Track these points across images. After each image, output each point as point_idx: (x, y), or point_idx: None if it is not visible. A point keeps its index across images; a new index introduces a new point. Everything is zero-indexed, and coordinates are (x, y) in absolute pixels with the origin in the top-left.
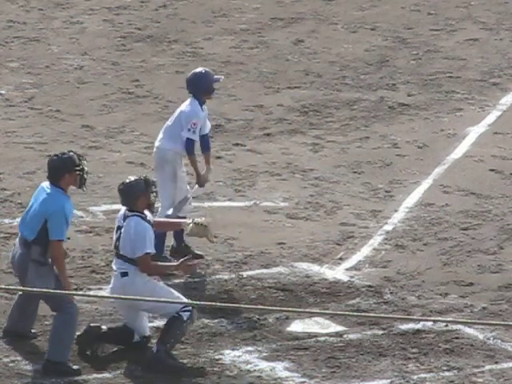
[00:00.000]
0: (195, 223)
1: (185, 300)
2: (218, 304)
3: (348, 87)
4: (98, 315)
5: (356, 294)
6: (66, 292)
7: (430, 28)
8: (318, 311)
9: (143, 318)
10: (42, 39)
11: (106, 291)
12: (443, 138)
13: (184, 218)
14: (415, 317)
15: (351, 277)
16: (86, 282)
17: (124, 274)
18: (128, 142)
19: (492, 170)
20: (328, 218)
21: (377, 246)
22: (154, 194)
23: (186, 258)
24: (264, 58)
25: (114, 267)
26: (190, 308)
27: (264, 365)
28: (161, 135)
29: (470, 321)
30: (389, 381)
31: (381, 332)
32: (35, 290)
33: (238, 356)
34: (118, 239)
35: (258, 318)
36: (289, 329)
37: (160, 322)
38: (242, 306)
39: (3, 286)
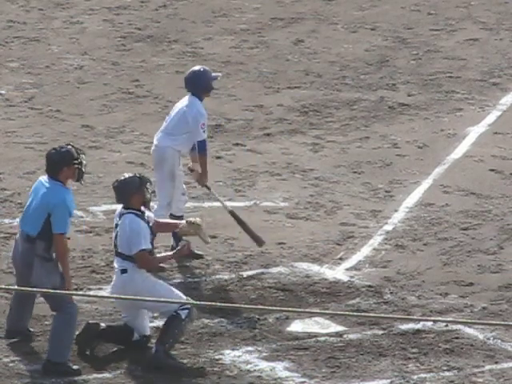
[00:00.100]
0: (187, 221)
1: (184, 299)
2: (218, 304)
3: (348, 87)
4: (98, 315)
5: (356, 294)
6: (67, 292)
7: (430, 28)
8: (318, 311)
9: (144, 317)
10: (42, 39)
11: (106, 291)
12: (443, 138)
13: (181, 217)
14: (415, 317)
15: (351, 277)
16: (86, 282)
17: (123, 271)
18: (128, 141)
19: (492, 170)
20: (328, 218)
21: (377, 246)
22: (150, 191)
23: (180, 247)
24: (264, 57)
25: (115, 265)
26: (189, 306)
27: (264, 365)
28: (160, 133)
29: (470, 321)
30: (389, 381)
31: (381, 332)
32: (35, 289)
33: (237, 356)
34: (116, 237)
35: (258, 318)
36: (289, 329)
37: (160, 322)
38: (242, 306)
39: (3, 286)
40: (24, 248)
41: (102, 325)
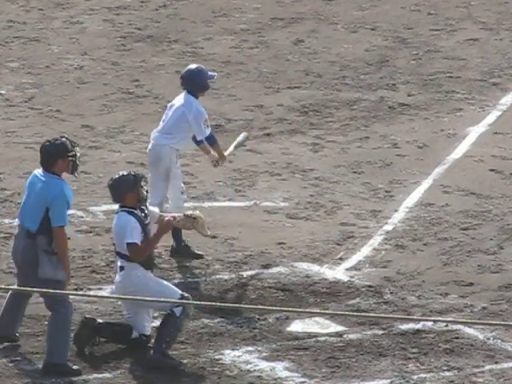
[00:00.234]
0: (185, 215)
1: (180, 292)
2: (218, 304)
3: (348, 87)
4: (98, 315)
5: (356, 294)
6: (67, 292)
7: (430, 28)
8: (318, 311)
9: (144, 317)
10: (42, 39)
11: (106, 291)
12: (443, 138)
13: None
14: (415, 317)
15: (351, 277)
16: (86, 282)
17: (122, 268)
18: (128, 141)
19: (492, 170)
20: (328, 218)
21: (377, 246)
22: (145, 189)
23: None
24: (264, 57)
25: (117, 263)
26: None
27: (264, 365)
28: (156, 132)
29: (470, 321)
30: (389, 381)
31: (381, 332)
32: (35, 289)
33: (238, 356)
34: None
35: (258, 318)
36: (289, 329)
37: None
38: (242, 306)
39: (3, 286)
40: (25, 244)
41: (99, 320)
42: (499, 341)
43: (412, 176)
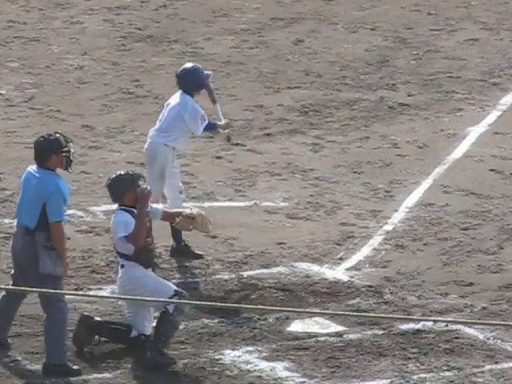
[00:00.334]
0: (183, 216)
1: (174, 288)
2: (218, 304)
3: (348, 87)
4: (98, 315)
5: (356, 294)
6: (67, 292)
7: (430, 28)
8: (318, 311)
9: (145, 316)
10: (42, 39)
11: (106, 291)
12: (443, 138)
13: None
14: (415, 317)
15: (351, 277)
16: (86, 282)
17: (122, 267)
18: (128, 141)
19: (492, 170)
20: (328, 217)
21: (377, 246)
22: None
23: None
24: (264, 57)
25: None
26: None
27: (264, 365)
28: (153, 131)
29: (470, 321)
30: (389, 381)
31: (381, 332)
32: (34, 290)
33: (238, 356)
34: None
35: (258, 318)
36: (289, 329)
37: None
38: (242, 306)
39: (3, 286)
40: (24, 241)
41: (97, 318)
42: (499, 341)
43: (412, 176)
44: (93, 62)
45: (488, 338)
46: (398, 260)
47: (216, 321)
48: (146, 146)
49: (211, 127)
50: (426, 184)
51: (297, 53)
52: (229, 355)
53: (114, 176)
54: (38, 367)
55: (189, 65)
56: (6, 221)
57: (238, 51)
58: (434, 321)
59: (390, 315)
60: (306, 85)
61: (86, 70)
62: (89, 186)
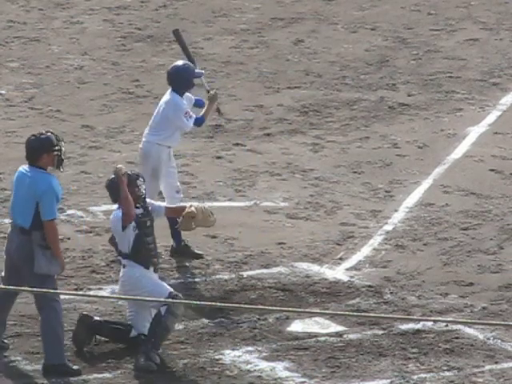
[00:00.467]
0: (183, 216)
1: (169, 290)
2: (218, 304)
3: (348, 87)
4: (98, 315)
5: (356, 293)
6: (67, 292)
7: (430, 28)
8: (318, 311)
9: (146, 316)
10: (42, 39)
11: (106, 291)
12: (443, 138)
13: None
14: (415, 317)
15: (351, 277)
16: (86, 282)
17: (123, 266)
18: (128, 142)
19: (492, 170)
20: (328, 217)
21: (377, 246)
22: (143, 187)
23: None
24: (264, 57)
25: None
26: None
27: (264, 365)
28: (147, 130)
29: (470, 321)
30: (389, 381)
31: (381, 332)
32: (34, 290)
33: (238, 356)
34: None
35: (258, 318)
36: (289, 329)
37: None
38: (242, 306)
39: (3, 286)
40: (19, 240)
41: (96, 318)
42: (499, 341)
43: (412, 176)
44: (93, 62)
45: (488, 338)
46: (398, 260)
47: (216, 321)
48: (140, 146)
49: (200, 104)
50: (426, 184)
51: (297, 53)
52: (229, 355)
53: (113, 176)
54: (38, 367)
55: (180, 62)
56: (6, 221)
57: (238, 51)
58: (434, 321)
59: (390, 315)
60: (305, 85)
61: (86, 69)
62: (89, 186)
